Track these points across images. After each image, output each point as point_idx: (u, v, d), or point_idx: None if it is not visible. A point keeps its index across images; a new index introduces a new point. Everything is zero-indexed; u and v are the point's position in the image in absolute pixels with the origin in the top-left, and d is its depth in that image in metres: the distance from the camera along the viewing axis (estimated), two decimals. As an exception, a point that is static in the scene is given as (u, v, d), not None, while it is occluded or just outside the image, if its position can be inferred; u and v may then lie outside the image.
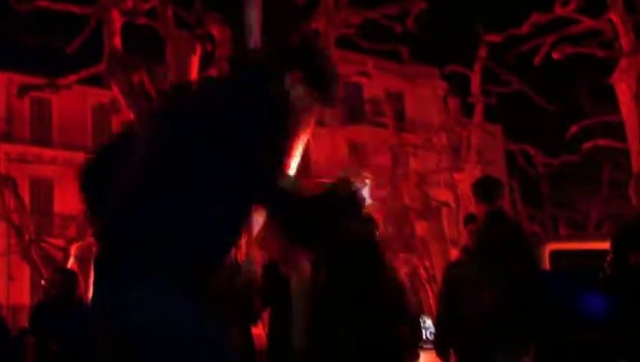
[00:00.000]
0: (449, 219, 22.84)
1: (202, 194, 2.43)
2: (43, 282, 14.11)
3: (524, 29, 14.88)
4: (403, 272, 17.16)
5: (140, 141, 2.56)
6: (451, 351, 6.15)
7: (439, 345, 6.13)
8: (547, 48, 14.15)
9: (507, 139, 23.83)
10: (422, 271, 20.78)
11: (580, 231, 26.44)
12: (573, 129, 15.93)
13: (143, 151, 2.51)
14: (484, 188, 5.50)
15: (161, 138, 2.50)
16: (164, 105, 2.73)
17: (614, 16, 12.84)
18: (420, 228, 20.12)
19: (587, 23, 13.84)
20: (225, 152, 2.41)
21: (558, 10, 13.93)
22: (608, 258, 4.90)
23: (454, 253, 9.44)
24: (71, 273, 7.76)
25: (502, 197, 5.61)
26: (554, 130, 19.76)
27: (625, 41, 12.62)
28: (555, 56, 13.40)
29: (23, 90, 15.04)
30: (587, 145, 16.31)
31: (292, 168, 10.76)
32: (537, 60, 14.29)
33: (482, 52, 17.52)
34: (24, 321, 7.86)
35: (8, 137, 29.02)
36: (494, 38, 16.80)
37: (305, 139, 11.33)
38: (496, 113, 23.95)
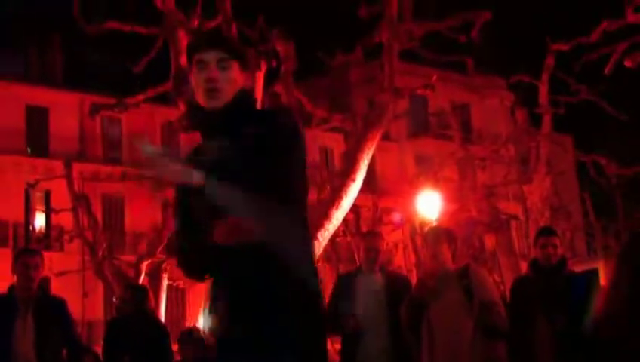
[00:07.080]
0: (518, 233, 22.40)
1: None
2: (115, 299, 14.34)
3: (594, 37, 14.52)
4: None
5: None
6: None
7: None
8: (618, 56, 13.77)
9: (578, 149, 23.28)
10: (492, 285, 20.38)
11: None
12: (647, 138, 15.45)
13: None
14: None
15: None
16: None
17: (688, 22, 12.44)
18: (489, 241, 19.76)
19: (660, 29, 13.43)
20: None
21: (631, 18, 13.54)
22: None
23: (524, 267, 9.20)
24: (141, 288, 7.88)
25: None
26: (626, 140, 19.23)
27: (700, 47, 12.21)
28: (627, 64, 13.00)
29: (95, 109, 15.33)
30: (662, 154, 15.79)
31: (358, 182, 10.67)
32: (608, 69, 13.91)
33: (550, 61, 17.15)
34: (99, 337, 8.00)
35: (81, 156, 29.73)
36: (562, 46, 16.44)
37: (371, 153, 11.24)
38: (566, 123, 23.45)
